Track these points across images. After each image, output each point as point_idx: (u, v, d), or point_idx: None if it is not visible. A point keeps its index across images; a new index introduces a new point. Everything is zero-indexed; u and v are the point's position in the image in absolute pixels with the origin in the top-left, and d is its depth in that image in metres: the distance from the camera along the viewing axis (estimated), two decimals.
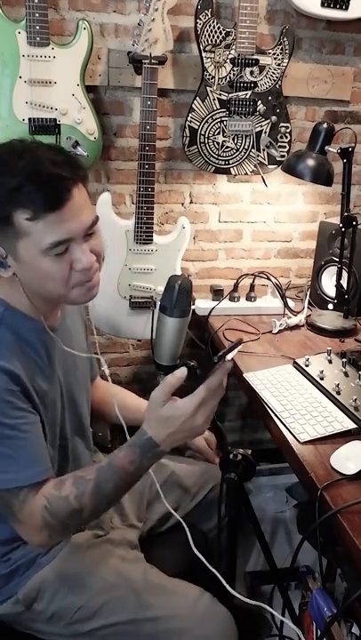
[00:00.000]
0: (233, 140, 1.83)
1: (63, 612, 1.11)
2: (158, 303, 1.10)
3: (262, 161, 1.88)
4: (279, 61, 1.78)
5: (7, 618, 1.14)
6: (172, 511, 1.18)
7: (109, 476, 1.00)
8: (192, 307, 1.14)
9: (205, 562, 1.04)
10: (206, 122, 1.79)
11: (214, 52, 1.73)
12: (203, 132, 1.80)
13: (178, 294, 1.02)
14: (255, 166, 1.88)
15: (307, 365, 1.47)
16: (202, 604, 1.12)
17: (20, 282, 1.02)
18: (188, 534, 1.08)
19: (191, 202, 2.01)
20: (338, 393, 1.35)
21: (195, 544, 1.07)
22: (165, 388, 0.96)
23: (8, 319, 1.04)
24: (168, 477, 1.39)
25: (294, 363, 1.51)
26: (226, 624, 1.11)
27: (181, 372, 0.96)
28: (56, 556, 1.14)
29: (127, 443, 1.01)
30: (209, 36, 1.70)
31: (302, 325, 1.79)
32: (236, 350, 0.97)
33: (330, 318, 1.80)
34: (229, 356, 0.97)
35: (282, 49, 1.77)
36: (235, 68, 1.75)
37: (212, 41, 1.71)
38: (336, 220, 1.76)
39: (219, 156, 1.84)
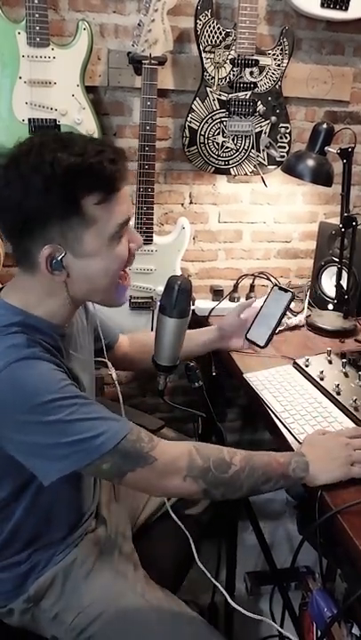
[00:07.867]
0: (233, 140, 1.83)
1: (65, 614, 1.10)
2: (158, 304, 1.10)
3: (262, 161, 1.88)
4: (279, 62, 1.78)
5: (17, 615, 1.13)
6: (171, 513, 1.17)
7: (260, 458, 1.03)
8: (192, 307, 1.14)
9: (208, 574, 1.03)
10: (206, 122, 1.79)
11: (214, 52, 1.73)
12: (202, 133, 1.80)
13: (177, 295, 1.02)
14: (255, 167, 1.88)
15: (307, 366, 1.47)
16: (194, 630, 1.09)
17: (66, 286, 0.96)
18: (193, 546, 1.05)
19: (191, 202, 2.01)
20: (338, 393, 1.35)
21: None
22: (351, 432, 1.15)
23: (30, 329, 0.97)
24: None
25: (294, 363, 1.51)
26: None
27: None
28: (70, 552, 1.14)
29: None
30: (209, 36, 1.70)
31: (302, 326, 1.79)
32: None
33: (330, 319, 1.80)
34: None
35: (282, 49, 1.77)
36: (234, 69, 1.75)
37: (211, 41, 1.71)
38: (336, 221, 1.76)
39: (218, 156, 1.84)
